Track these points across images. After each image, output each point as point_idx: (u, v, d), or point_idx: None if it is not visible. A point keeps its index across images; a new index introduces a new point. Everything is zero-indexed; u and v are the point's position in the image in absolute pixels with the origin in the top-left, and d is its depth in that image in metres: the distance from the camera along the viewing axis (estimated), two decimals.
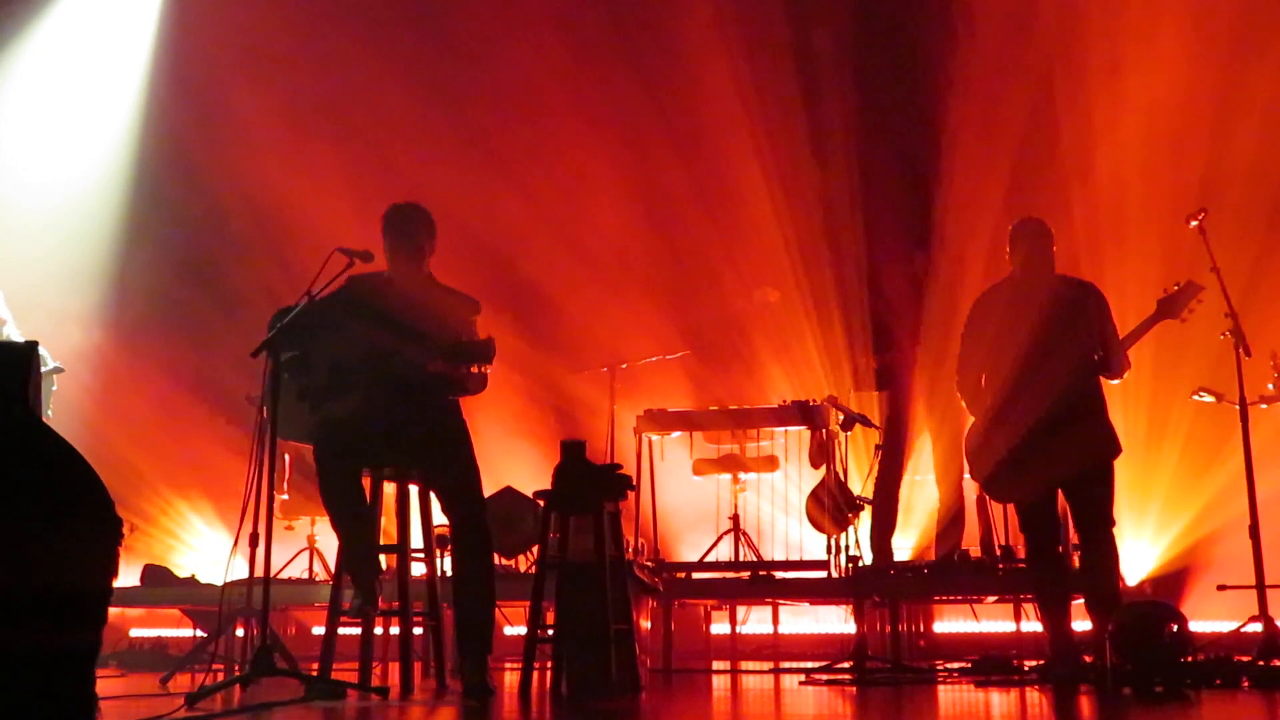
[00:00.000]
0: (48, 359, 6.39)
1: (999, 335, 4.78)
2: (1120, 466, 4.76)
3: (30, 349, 2.32)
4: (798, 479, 6.83)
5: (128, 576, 6.59)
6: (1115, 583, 4.69)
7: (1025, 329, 4.71)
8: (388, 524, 4.66)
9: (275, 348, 4.03)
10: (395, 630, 5.06)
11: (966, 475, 6.11)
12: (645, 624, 4.95)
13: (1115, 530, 4.65)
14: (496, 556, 5.81)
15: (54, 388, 6.46)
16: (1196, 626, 4.49)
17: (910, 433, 6.09)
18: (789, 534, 7.03)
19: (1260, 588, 4.69)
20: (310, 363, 4.30)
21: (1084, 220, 6.50)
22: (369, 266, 4.26)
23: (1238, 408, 4.90)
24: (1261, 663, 4.45)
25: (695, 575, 6.52)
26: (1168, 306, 4.68)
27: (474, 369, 4.23)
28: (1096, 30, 6.91)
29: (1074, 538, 4.92)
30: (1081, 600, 4.72)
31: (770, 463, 6.94)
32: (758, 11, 7.64)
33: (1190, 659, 4.23)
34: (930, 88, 7.13)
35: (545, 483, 4.51)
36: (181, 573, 7.02)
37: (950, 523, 5.97)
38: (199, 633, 6.72)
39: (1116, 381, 4.74)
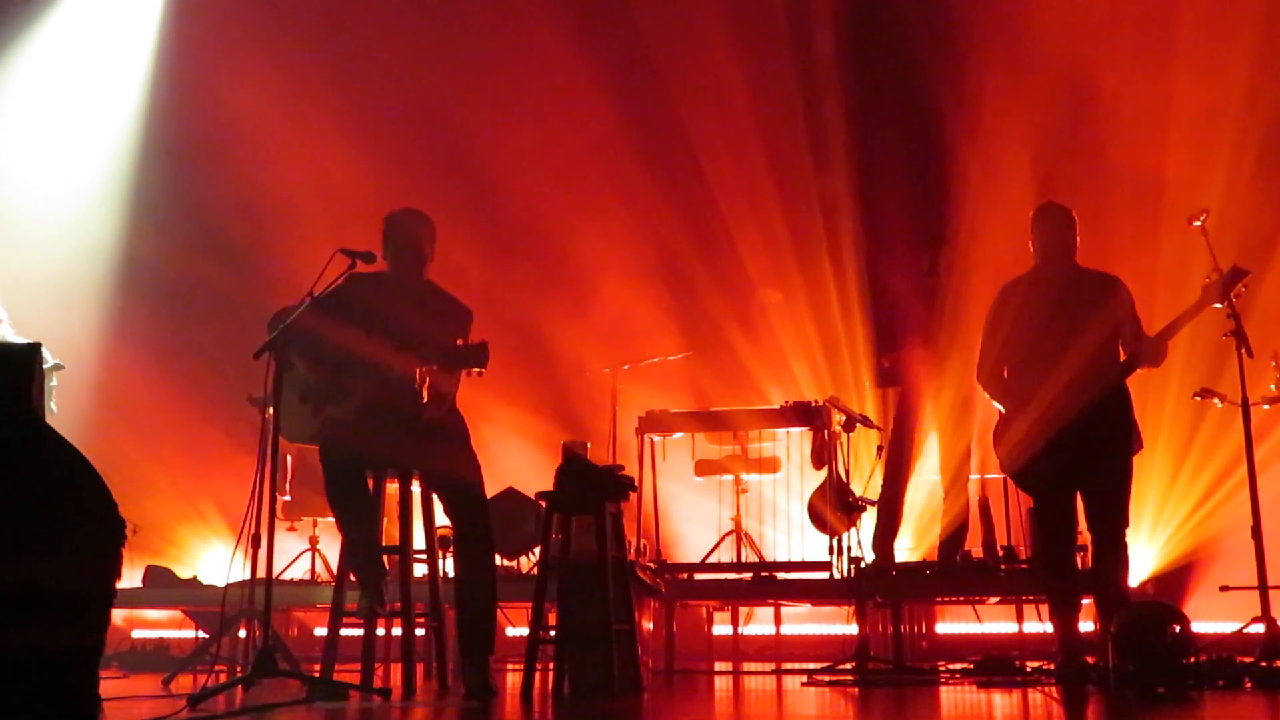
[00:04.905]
0: (48, 356, 6.38)
1: (1018, 328, 4.73)
2: None
3: (33, 350, 2.33)
4: (799, 480, 6.83)
5: (130, 578, 6.60)
6: (1125, 584, 4.65)
7: (1045, 321, 4.66)
8: (390, 525, 4.66)
9: (277, 349, 4.03)
10: (397, 631, 5.05)
11: (973, 477, 6.12)
12: (647, 625, 4.95)
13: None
14: (498, 557, 5.82)
15: (54, 383, 6.45)
16: (1199, 627, 4.48)
17: (917, 432, 6.07)
18: (791, 535, 7.02)
19: (1262, 588, 4.67)
20: (314, 364, 4.30)
21: (1108, 215, 6.41)
22: (368, 267, 4.26)
23: (1240, 408, 4.89)
24: (1264, 664, 4.43)
25: (697, 576, 6.52)
26: (1213, 292, 4.60)
27: (467, 373, 4.24)
28: (1117, 22, 6.87)
29: (1080, 539, 4.88)
30: (1089, 600, 4.71)
31: (772, 464, 6.93)
32: (760, 10, 7.64)
33: (1192, 660, 4.22)
34: (943, 82, 7.08)
35: (547, 484, 4.51)
36: (184, 574, 7.02)
37: (955, 533, 5.95)
38: (201, 634, 6.72)
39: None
